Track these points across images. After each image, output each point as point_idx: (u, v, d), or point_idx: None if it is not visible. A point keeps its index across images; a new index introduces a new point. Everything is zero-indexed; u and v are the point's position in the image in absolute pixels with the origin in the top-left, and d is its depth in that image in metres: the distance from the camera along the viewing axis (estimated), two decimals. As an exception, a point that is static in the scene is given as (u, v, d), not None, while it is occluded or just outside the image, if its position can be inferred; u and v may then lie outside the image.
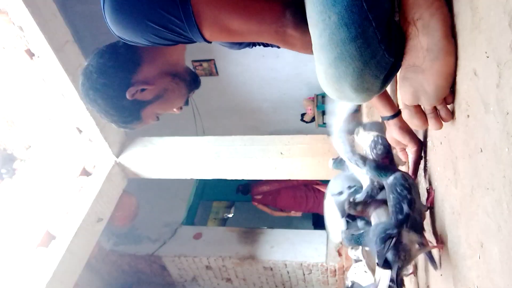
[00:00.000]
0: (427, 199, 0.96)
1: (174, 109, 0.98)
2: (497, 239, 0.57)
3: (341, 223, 1.18)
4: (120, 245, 3.98)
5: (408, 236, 0.83)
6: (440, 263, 0.89)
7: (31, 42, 2.21)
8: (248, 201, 4.30)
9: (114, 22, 0.74)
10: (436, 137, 0.90)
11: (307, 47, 0.73)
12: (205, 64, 4.15)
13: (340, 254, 3.53)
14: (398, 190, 0.89)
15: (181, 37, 0.76)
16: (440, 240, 0.91)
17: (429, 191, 0.95)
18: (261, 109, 4.65)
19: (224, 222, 5.33)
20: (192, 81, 0.97)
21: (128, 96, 0.87)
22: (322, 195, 3.79)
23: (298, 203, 3.96)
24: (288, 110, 4.55)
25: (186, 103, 0.99)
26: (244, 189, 4.19)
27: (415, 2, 0.66)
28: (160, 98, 0.92)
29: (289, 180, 3.92)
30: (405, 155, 1.01)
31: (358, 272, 1.48)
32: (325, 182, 3.95)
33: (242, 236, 3.89)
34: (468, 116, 0.66)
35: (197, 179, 4.59)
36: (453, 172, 0.77)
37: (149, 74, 0.89)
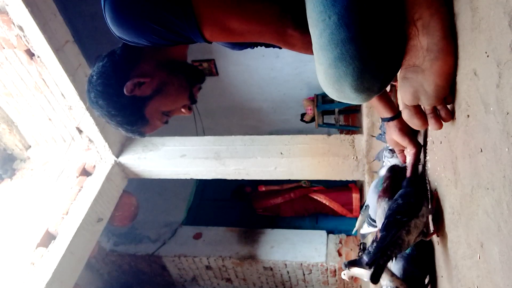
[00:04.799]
0: (432, 202, 0.95)
1: (182, 110, 0.94)
2: (497, 239, 0.57)
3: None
4: (120, 245, 3.98)
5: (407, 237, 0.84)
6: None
7: (31, 42, 2.21)
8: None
9: (114, 22, 0.74)
10: (436, 137, 0.90)
11: (307, 47, 0.73)
12: (205, 64, 4.15)
13: (340, 254, 3.53)
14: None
15: (182, 38, 0.76)
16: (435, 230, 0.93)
17: (434, 194, 0.95)
18: (261, 109, 4.64)
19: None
20: (193, 74, 0.94)
21: (126, 91, 0.85)
22: (320, 203, 3.83)
23: (299, 214, 4.04)
24: (288, 110, 4.55)
25: (194, 101, 0.95)
26: (238, 193, 4.22)
27: (415, 2, 0.66)
28: (160, 92, 0.89)
29: (287, 192, 3.95)
30: (403, 157, 1.01)
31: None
32: (322, 185, 3.99)
33: (242, 236, 3.89)
34: (468, 116, 0.66)
35: (197, 179, 4.58)
36: (453, 172, 0.77)
37: (145, 68, 0.88)
